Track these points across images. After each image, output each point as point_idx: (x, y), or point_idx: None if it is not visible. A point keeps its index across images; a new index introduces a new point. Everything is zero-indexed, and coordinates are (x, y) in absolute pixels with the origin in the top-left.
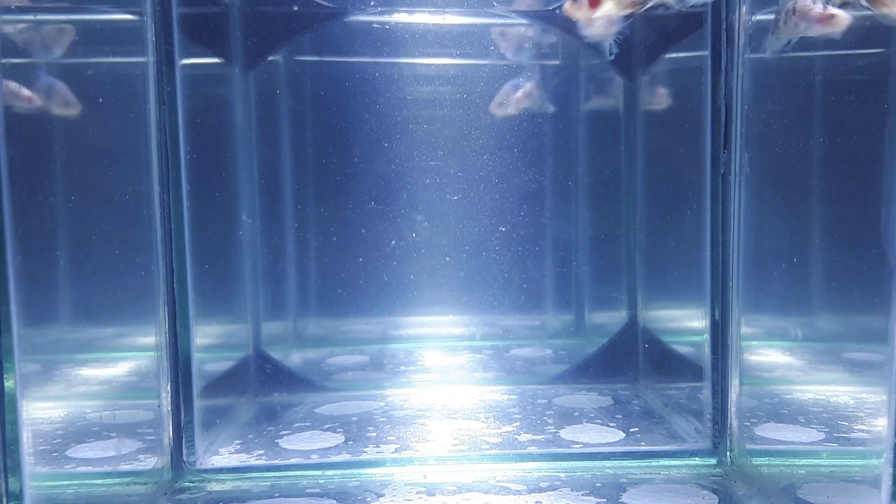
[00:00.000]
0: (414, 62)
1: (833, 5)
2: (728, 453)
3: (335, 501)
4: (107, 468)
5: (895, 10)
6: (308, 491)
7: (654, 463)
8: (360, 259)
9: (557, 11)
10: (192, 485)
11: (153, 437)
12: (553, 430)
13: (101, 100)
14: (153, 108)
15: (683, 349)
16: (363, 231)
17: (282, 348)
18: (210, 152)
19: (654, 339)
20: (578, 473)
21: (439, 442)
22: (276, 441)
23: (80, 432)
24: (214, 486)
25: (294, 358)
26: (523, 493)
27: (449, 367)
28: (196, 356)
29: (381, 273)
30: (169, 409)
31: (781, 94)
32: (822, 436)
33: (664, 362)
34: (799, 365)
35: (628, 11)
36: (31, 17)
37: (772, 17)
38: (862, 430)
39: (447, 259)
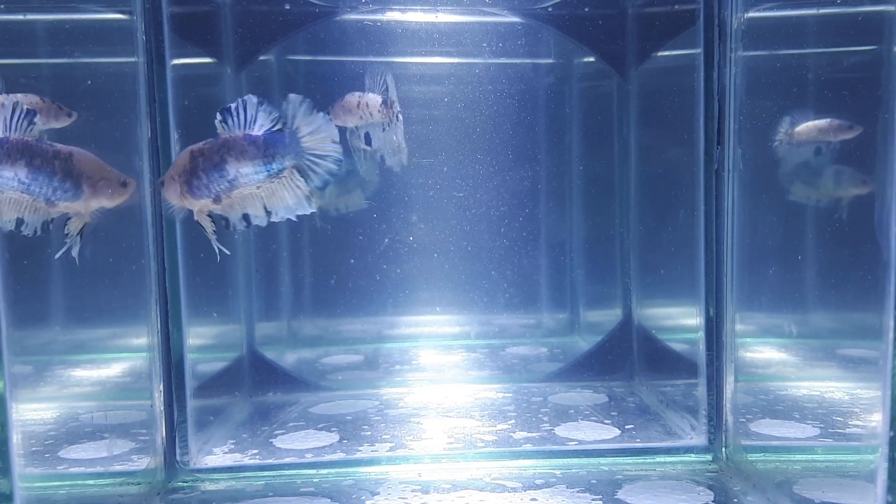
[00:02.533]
0: (407, 61)
1: None
2: (723, 449)
3: (329, 500)
4: (99, 468)
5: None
6: (302, 490)
7: (650, 459)
8: (355, 258)
9: (550, 9)
10: (185, 484)
11: (146, 438)
12: (548, 428)
13: (91, 99)
14: (144, 108)
15: (678, 346)
16: (357, 230)
17: (276, 348)
18: None
19: (648, 337)
20: (574, 470)
21: (434, 440)
22: (270, 440)
23: (73, 433)
24: (208, 486)
25: (288, 358)
26: (518, 490)
27: (444, 366)
28: (189, 356)
29: (375, 272)
30: (162, 409)
31: (774, 91)
32: (817, 431)
33: (659, 359)
34: (794, 361)
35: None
36: (20, 16)
37: (764, 14)
38: (857, 426)
39: (442, 258)
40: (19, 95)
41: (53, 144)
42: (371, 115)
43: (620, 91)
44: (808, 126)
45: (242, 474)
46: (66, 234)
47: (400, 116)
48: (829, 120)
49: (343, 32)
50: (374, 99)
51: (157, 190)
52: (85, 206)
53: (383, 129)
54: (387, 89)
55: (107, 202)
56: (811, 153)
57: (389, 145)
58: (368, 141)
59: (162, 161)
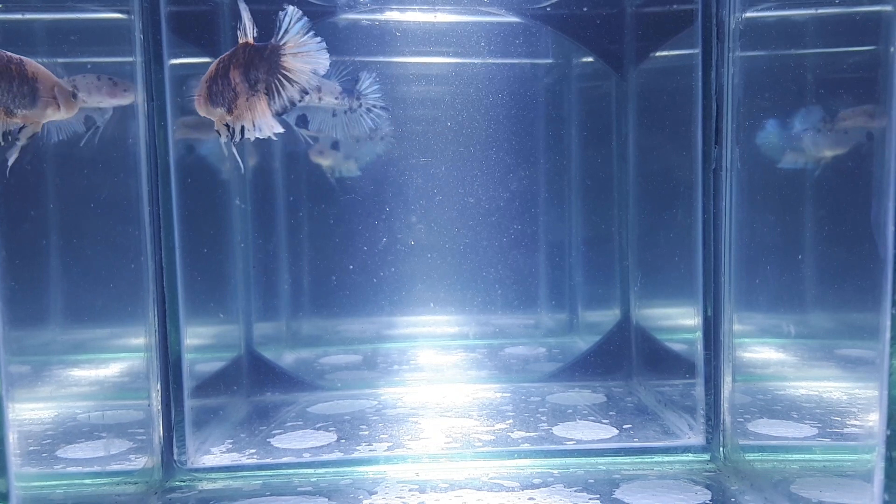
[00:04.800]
0: (405, 61)
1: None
2: (721, 449)
3: (327, 500)
4: (96, 468)
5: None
6: (300, 489)
7: (648, 459)
8: (353, 258)
9: (549, 9)
10: (182, 484)
11: (144, 437)
12: (546, 428)
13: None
14: (142, 107)
15: (676, 346)
16: (355, 230)
17: (274, 348)
18: (200, 151)
19: (647, 337)
20: (571, 470)
21: (432, 440)
22: (268, 440)
23: (70, 433)
24: (206, 485)
25: (286, 357)
26: (516, 489)
27: (442, 366)
28: (186, 356)
29: (374, 272)
30: (159, 408)
31: (773, 91)
32: (814, 431)
33: (657, 359)
34: (792, 361)
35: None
36: (18, 15)
37: (762, 14)
38: (854, 426)
39: (440, 258)
40: (77, 76)
41: (3, 52)
42: (321, 98)
43: (619, 91)
44: (856, 111)
45: (240, 474)
46: (17, 140)
47: (362, 108)
48: (875, 105)
49: (341, 32)
50: (330, 85)
51: (155, 187)
52: (41, 115)
53: (333, 115)
54: (356, 81)
55: (63, 112)
56: (863, 138)
57: (349, 132)
58: (304, 123)
59: (159, 160)
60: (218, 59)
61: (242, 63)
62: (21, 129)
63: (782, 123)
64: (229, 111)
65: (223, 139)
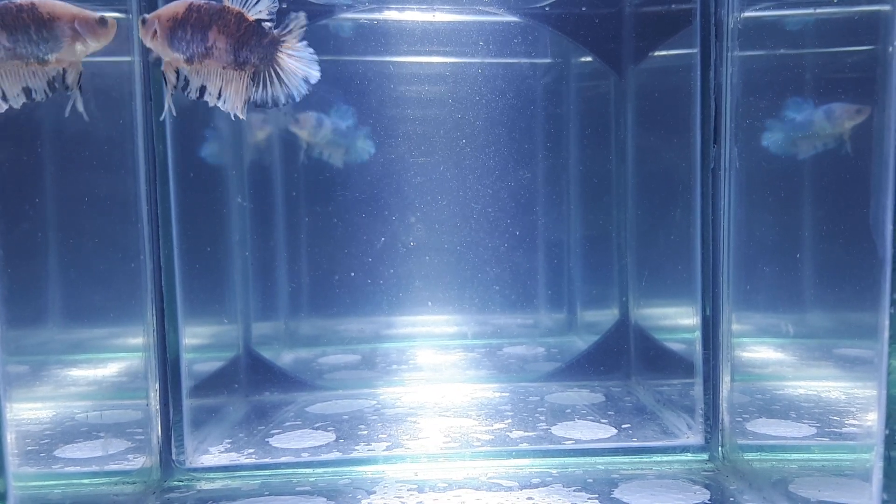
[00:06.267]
0: (404, 60)
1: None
2: (720, 448)
3: (325, 499)
4: (95, 468)
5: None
6: (298, 489)
7: (646, 458)
8: (352, 257)
9: (547, 9)
10: (181, 484)
11: (142, 437)
12: (545, 427)
13: (88, 98)
14: (139, 107)
15: (675, 346)
16: (354, 229)
17: (273, 348)
18: (197, 151)
19: (645, 336)
20: (570, 469)
21: (431, 439)
22: (266, 440)
23: (69, 432)
24: (204, 485)
25: (285, 357)
26: (515, 489)
27: (441, 366)
28: (185, 356)
29: (373, 271)
30: (157, 408)
31: (771, 90)
32: (813, 431)
33: (656, 359)
34: (790, 361)
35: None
36: None
37: (760, 13)
38: (853, 425)
39: (439, 257)
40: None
41: (13, 1)
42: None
43: (617, 90)
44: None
45: (238, 473)
46: (68, 88)
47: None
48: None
49: (339, 32)
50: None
51: (153, 186)
52: (73, 53)
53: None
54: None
55: (93, 44)
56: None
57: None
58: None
59: (158, 158)
60: (188, 2)
61: (234, 35)
62: (64, 73)
63: (797, 108)
64: (189, 61)
65: (169, 85)
